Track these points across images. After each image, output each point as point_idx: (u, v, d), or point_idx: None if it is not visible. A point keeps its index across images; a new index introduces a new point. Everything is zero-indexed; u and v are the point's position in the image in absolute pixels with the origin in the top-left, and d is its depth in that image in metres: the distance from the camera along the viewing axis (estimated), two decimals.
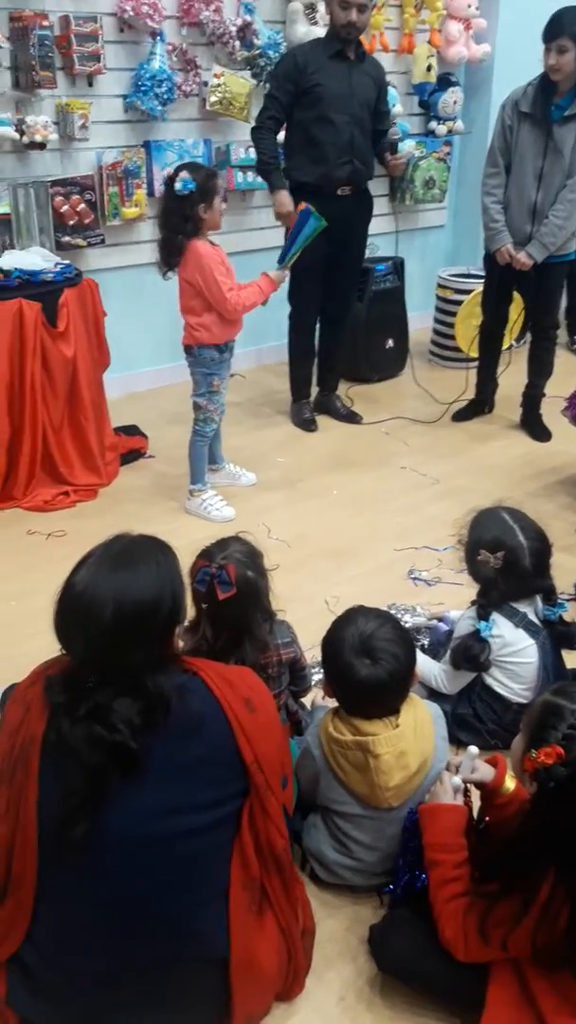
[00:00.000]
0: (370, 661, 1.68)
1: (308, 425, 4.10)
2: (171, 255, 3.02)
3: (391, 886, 1.72)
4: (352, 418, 4.22)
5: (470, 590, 2.25)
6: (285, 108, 3.62)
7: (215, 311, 3.07)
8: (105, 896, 1.34)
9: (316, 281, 3.87)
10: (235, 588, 1.72)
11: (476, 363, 4.30)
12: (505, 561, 2.09)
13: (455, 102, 5.05)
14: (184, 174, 2.88)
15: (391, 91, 4.78)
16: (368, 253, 4.24)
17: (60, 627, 1.34)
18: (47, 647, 1.39)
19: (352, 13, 3.46)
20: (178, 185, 2.88)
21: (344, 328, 4.20)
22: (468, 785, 1.71)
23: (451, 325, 4.84)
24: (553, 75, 3.45)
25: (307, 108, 3.60)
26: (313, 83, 3.55)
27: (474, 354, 4.30)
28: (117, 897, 1.34)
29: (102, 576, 1.33)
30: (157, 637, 1.36)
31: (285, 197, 3.61)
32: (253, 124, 3.78)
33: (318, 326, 4.12)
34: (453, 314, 4.82)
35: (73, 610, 1.32)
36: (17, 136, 3.52)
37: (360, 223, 3.95)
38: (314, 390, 4.27)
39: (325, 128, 3.61)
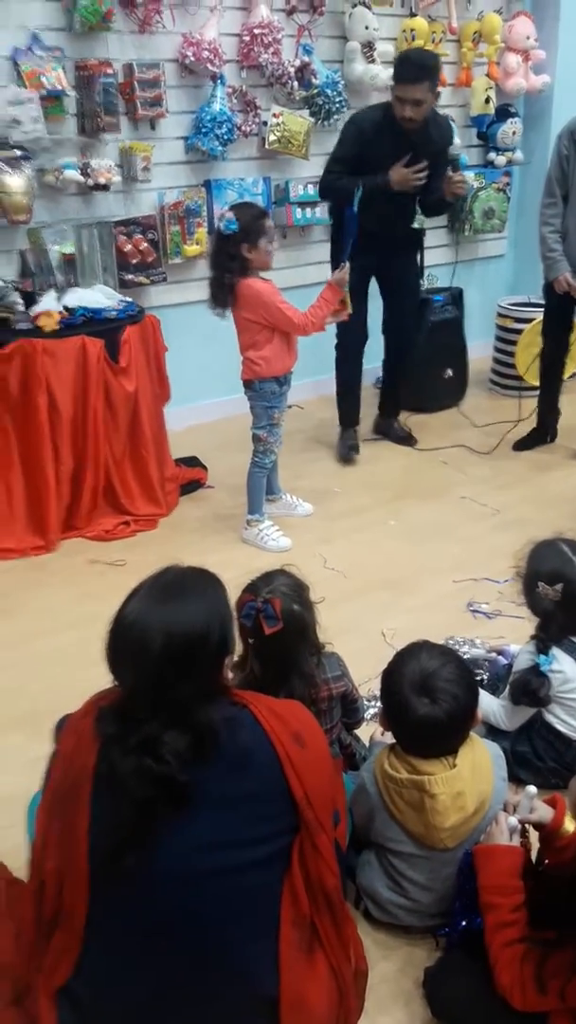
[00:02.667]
0: (429, 700, 1.65)
1: (350, 452, 4.04)
2: (222, 293, 3.07)
3: (446, 928, 1.68)
4: (408, 440, 4.26)
5: (531, 624, 2.20)
6: (351, 168, 3.56)
7: (276, 342, 3.11)
8: (153, 929, 1.34)
9: (360, 307, 3.80)
10: (281, 622, 1.72)
11: (530, 392, 4.25)
12: (564, 594, 2.04)
13: (514, 133, 5.05)
14: (229, 214, 2.97)
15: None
16: (427, 284, 4.24)
17: (111, 658, 1.36)
18: (106, 676, 1.40)
19: (407, 109, 3.44)
20: (222, 225, 2.96)
21: (410, 355, 4.19)
22: (527, 826, 1.66)
23: (511, 354, 4.80)
24: None
25: (362, 169, 3.53)
26: (372, 157, 3.52)
27: (534, 382, 4.25)
28: (165, 931, 1.34)
29: (152, 607, 1.34)
30: (206, 668, 1.37)
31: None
32: (319, 185, 3.78)
33: (385, 354, 4.18)
34: (513, 343, 4.78)
35: (123, 641, 1.34)
36: (82, 179, 3.64)
37: (404, 257, 3.93)
38: (374, 412, 4.33)
39: (376, 197, 3.47)
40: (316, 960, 1.44)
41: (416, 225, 3.91)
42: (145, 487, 3.55)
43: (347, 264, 3.17)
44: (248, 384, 3.23)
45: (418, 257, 4.06)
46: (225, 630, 1.39)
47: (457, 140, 4.46)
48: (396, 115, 3.50)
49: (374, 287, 3.97)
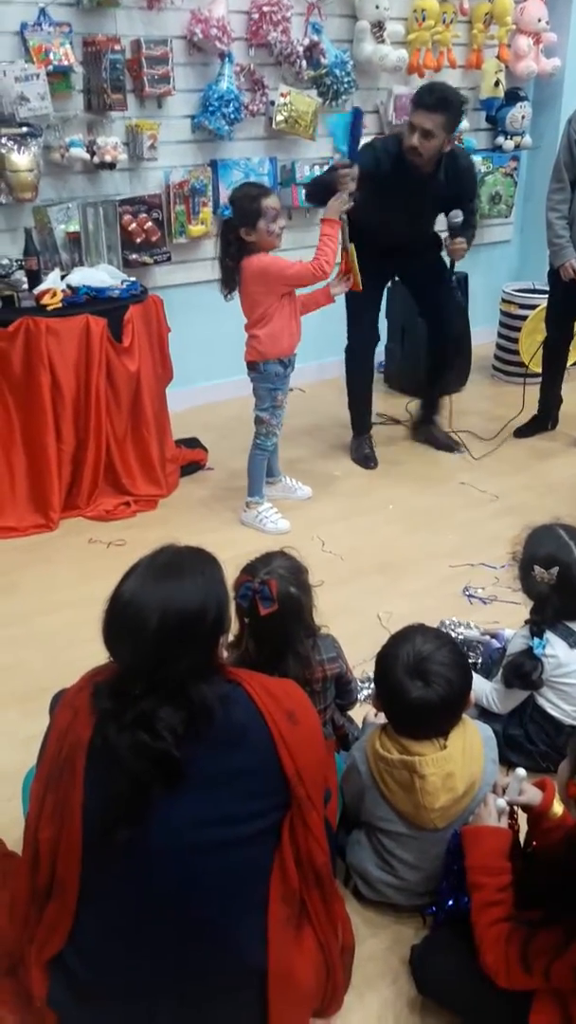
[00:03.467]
0: (422, 683, 1.66)
1: (367, 462, 3.91)
2: (227, 276, 3.08)
3: (434, 907, 1.70)
4: (452, 447, 4.06)
5: (526, 609, 2.21)
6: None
7: (285, 312, 3.11)
8: (145, 902, 1.36)
9: (373, 308, 3.78)
10: (277, 604, 1.73)
11: (535, 380, 4.24)
12: (559, 578, 2.06)
13: (523, 117, 5.01)
14: (228, 199, 2.95)
15: None
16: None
17: (107, 635, 1.37)
18: (103, 653, 1.41)
19: (415, 137, 3.23)
20: (222, 210, 2.95)
21: (453, 345, 4.00)
22: (516, 808, 1.68)
23: (515, 340, 4.79)
24: None
25: (373, 197, 3.35)
26: (382, 186, 3.31)
27: (537, 369, 4.24)
28: (157, 904, 1.36)
29: (148, 585, 1.35)
30: (202, 646, 1.38)
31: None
32: (309, 185, 3.59)
33: (428, 354, 4.06)
34: (517, 329, 4.76)
35: (120, 618, 1.35)
36: (88, 157, 3.63)
37: (426, 254, 3.76)
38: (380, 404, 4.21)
39: (383, 225, 3.40)
40: (304, 936, 1.47)
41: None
42: (146, 467, 3.56)
43: (344, 196, 3.08)
44: (252, 365, 3.23)
45: (440, 252, 3.82)
46: (221, 609, 1.40)
47: (464, 127, 4.22)
48: (404, 144, 3.29)
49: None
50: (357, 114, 3.14)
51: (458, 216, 3.48)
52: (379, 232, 3.34)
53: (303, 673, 1.83)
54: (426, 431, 4.14)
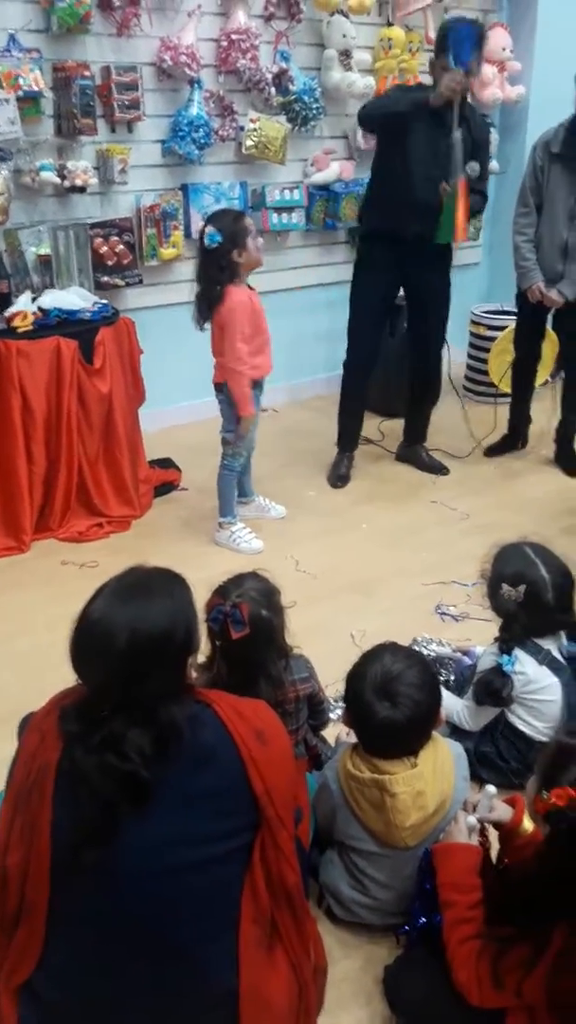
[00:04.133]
0: (390, 704, 1.67)
1: (339, 481, 3.93)
2: (210, 306, 3.06)
3: (407, 927, 1.70)
4: (440, 470, 4.06)
5: (497, 626, 2.23)
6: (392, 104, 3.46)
7: (251, 347, 3.12)
8: (114, 925, 1.35)
9: (376, 327, 3.78)
10: (248, 628, 1.73)
11: (505, 399, 4.30)
12: (527, 595, 2.08)
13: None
14: (209, 228, 2.96)
15: None
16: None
17: (75, 656, 1.37)
18: (74, 676, 1.41)
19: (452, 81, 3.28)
20: (206, 240, 2.96)
21: (436, 373, 3.96)
22: (486, 825, 1.69)
23: (484, 361, 4.85)
24: None
25: (394, 154, 3.46)
26: (406, 130, 3.39)
27: (507, 389, 4.30)
28: (126, 926, 1.35)
29: (116, 606, 1.36)
30: (170, 667, 1.38)
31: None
32: (364, 108, 3.58)
33: (409, 374, 4.03)
34: (486, 350, 4.83)
35: (88, 639, 1.35)
36: (59, 180, 3.64)
37: (435, 273, 3.74)
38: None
39: (404, 183, 3.45)
40: (276, 956, 1.46)
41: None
42: (119, 488, 3.55)
43: None
44: (219, 387, 3.24)
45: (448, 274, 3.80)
46: (189, 629, 1.40)
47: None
48: (438, 90, 3.31)
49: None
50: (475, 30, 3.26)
51: (475, 169, 3.49)
52: (402, 206, 3.36)
53: (275, 694, 1.83)
54: (411, 453, 4.15)
